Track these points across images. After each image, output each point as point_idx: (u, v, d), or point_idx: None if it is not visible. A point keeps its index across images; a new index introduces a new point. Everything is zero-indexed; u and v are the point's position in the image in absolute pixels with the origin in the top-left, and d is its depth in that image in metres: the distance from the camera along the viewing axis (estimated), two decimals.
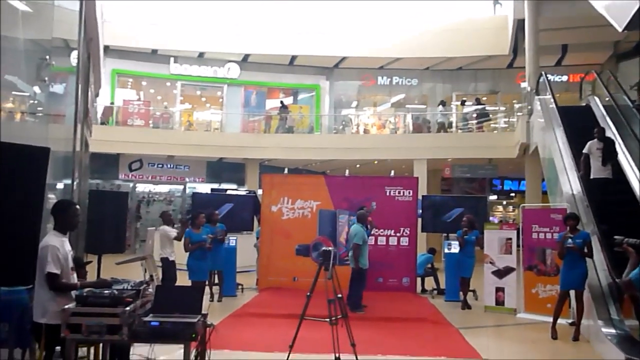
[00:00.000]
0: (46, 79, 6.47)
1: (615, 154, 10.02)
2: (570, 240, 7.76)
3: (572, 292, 7.94)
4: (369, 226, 10.09)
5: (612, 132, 11.25)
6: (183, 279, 9.46)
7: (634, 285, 4.20)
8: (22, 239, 3.68)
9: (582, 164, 9.88)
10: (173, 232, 9.46)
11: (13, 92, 5.74)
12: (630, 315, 7.11)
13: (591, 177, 9.69)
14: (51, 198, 5.50)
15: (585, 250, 7.76)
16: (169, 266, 9.24)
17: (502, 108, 22.31)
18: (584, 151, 9.87)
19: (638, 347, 6.23)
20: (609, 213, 8.70)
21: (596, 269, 7.96)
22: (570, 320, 8.33)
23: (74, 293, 4.23)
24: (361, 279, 9.46)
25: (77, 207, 4.71)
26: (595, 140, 9.86)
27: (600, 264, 7.91)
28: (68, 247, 4.47)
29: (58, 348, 4.19)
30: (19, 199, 3.62)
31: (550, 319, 7.99)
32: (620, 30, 7.79)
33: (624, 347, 6.25)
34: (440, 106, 20.54)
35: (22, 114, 6.24)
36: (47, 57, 6.42)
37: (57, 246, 4.26)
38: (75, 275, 4.55)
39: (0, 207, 3.51)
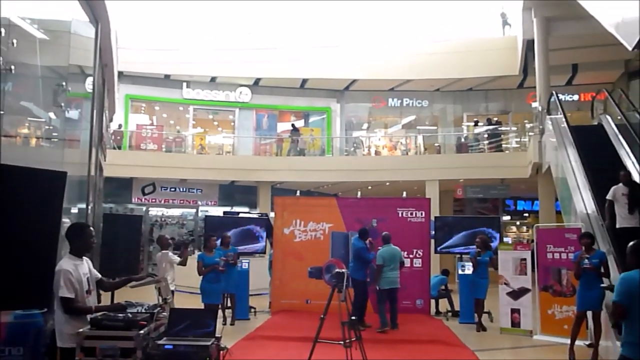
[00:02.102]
0: (62, 104, 6.58)
1: None
2: (586, 261, 7.68)
3: (589, 313, 7.83)
4: (368, 245, 10.13)
5: (625, 150, 11.19)
6: (196, 302, 9.45)
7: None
8: (38, 263, 3.71)
9: (606, 212, 8.89)
10: (176, 258, 9.19)
11: (29, 118, 5.85)
12: None
13: (617, 226, 8.68)
14: (66, 222, 5.55)
15: (602, 270, 7.67)
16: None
17: (514, 128, 22.30)
18: (607, 197, 8.90)
19: None
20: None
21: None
22: (587, 342, 8.20)
23: (88, 316, 4.25)
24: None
25: (92, 229, 4.75)
26: (621, 185, 8.85)
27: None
28: (84, 270, 4.49)
29: None
30: (36, 222, 3.66)
31: (567, 341, 7.87)
32: (630, 48, 7.79)
33: None
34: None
35: (38, 139, 6.34)
36: (64, 83, 6.54)
37: (69, 270, 4.29)
38: (94, 297, 4.57)
39: (17, 231, 3.56)
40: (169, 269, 9.00)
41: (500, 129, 21.01)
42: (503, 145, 20.04)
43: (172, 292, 8.46)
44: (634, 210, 8.60)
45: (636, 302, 3.96)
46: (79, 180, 8.33)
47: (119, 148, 20.02)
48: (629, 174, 9.19)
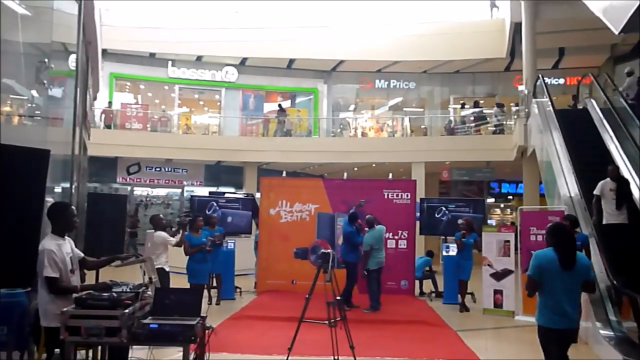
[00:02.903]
0: (45, 82, 6.48)
1: (631, 195, 8.82)
2: None
3: None
4: (358, 228, 10.20)
5: (608, 134, 11.29)
6: (182, 282, 9.45)
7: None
8: (22, 241, 3.69)
9: (593, 207, 8.70)
10: (172, 239, 8.64)
11: (11, 96, 5.75)
12: (629, 317, 7.14)
13: (604, 222, 8.56)
14: (49, 201, 5.51)
15: (584, 252, 7.78)
16: (165, 278, 8.19)
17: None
18: (595, 192, 8.70)
19: (636, 349, 6.25)
20: (627, 261, 7.61)
21: (594, 271, 7.97)
22: None
23: (73, 296, 4.23)
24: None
25: (73, 208, 4.72)
26: (608, 180, 8.66)
27: (599, 267, 7.93)
28: (67, 249, 4.46)
29: (57, 350, 4.19)
30: (19, 201, 3.63)
31: None
32: (616, 32, 7.84)
33: (622, 349, 6.28)
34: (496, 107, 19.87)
35: (21, 117, 6.25)
36: (46, 60, 6.44)
37: (53, 250, 4.26)
38: (77, 277, 4.55)
39: (0, 209, 3.52)
40: (164, 250, 8.44)
41: (485, 111, 21.10)
42: (489, 128, 20.13)
43: (168, 273, 8.30)
44: (622, 206, 8.42)
45: (547, 276, 4.50)
46: (63, 160, 8.25)
47: (109, 127, 19.84)
48: (616, 168, 8.99)
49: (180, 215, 10.48)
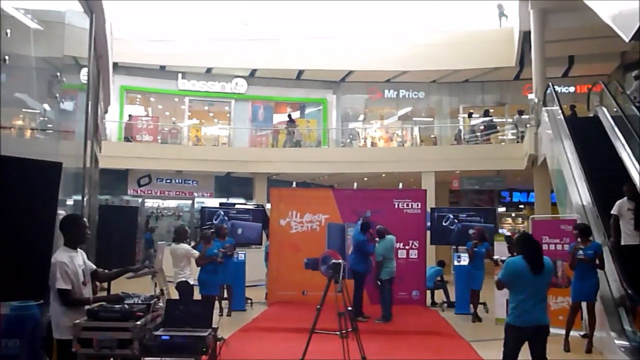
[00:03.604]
0: (57, 95, 6.54)
1: None
2: (580, 252, 7.71)
3: (584, 304, 7.87)
4: (369, 238, 10.17)
5: (620, 142, 11.21)
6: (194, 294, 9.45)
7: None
8: (34, 254, 3.70)
9: (611, 228, 8.35)
10: (195, 252, 8.49)
11: (24, 109, 5.81)
12: None
13: (622, 243, 8.19)
14: (61, 214, 5.55)
15: (597, 261, 7.70)
16: (189, 291, 8.16)
17: (510, 120, 22.31)
18: (612, 212, 8.36)
19: None
20: None
21: (608, 280, 7.89)
22: (582, 332, 8.24)
23: (85, 308, 4.24)
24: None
25: (85, 220, 4.74)
26: (625, 199, 8.31)
27: (612, 275, 7.85)
28: (79, 261, 4.48)
29: None
30: (32, 213, 3.65)
31: (562, 331, 7.91)
32: (627, 40, 7.79)
33: (637, 359, 6.18)
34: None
35: (33, 130, 6.31)
36: (58, 74, 6.50)
37: (65, 262, 4.28)
38: (89, 289, 4.57)
39: (13, 221, 3.54)
40: (187, 263, 8.32)
41: (495, 120, 21.05)
42: (499, 137, 20.04)
43: (192, 286, 8.24)
44: None
45: (518, 281, 5.09)
46: (75, 172, 8.30)
47: (128, 140, 20.08)
48: (633, 187, 8.63)
49: (203, 228, 10.40)
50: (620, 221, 8.27)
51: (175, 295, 7.67)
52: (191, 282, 8.22)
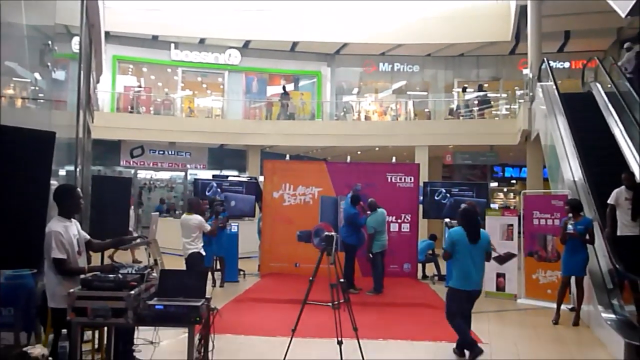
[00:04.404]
0: (49, 65, 6.47)
1: None
2: (570, 226, 7.80)
3: (572, 278, 7.99)
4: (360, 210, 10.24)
5: (613, 118, 11.24)
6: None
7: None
8: (29, 224, 3.71)
9: (607, 217, 8.10)
10: (207, 225, 8.28)
11: (14, 78, 5.74)
12: (630, 301, 7.17)
13: (618, 233, 7.98)
14: (54, 184, 5.53)
15: (587, 236, 7.79)
16: (200, 261, 8.07)
17: (504, 95, 22.30)
18: (609, 201, 8.09)
19: (637, 332, 6.28)
20: None
21: (597, 255, 8.00)
22: (570, 306, 8.38)
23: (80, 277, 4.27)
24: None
25: (79, 190, 4.74)
26: (623, 188, 8.02)
27: (601, 250, 7.95)
28: (74, 231, 4.50)
29: (64, 331, 4.24)
30: (25, 182, 3.64)
31: (550, 305, 8.05)
32: (623, 16, 7.78)
33: (624, 332, 6.31)
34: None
35: (24, 99, 6.25)
36: (50, 43, 6.42)
37: (60, 231, 4.30)
38: (84, 258, 4.59)
39: (7, 191, 3.54)
40: (199, 236, 8.09)
41: (489, 95, 21.02)
42: (493, 112, 20.04)
43: (204, 257, 8.14)
44: (638, 216, 7.85)
45: (458, 249, 5.99)
46: (67, 143, 8.25)
47: (132, 110, 20.02)
48: (632, 176, 8.34)
49: (214, 203, 10.33)
50: (617, 211, 8.05)
51: (169, 265, 7.70)
52: (203, 253, 8.12)
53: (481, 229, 6.17)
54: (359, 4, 21.32)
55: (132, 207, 8.99)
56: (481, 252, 6.04)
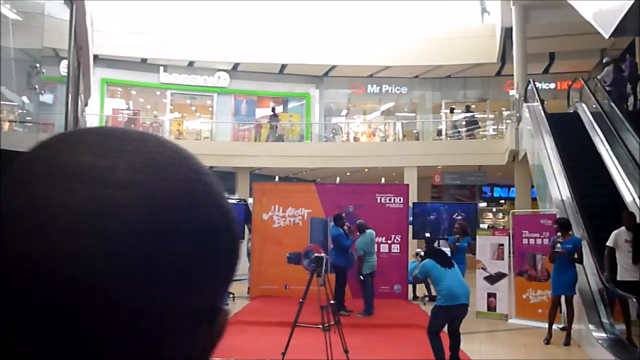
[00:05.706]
0: (36, 87, 6.46)
1: None
2: (559, 245, 7.82)
3: (563, 297, 7.99)
4: (347, 231, 10.17)
5: (599, 138, 11.38)
6: None
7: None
8: None
9: (605, 261, 7.54)
10: None
11: (2, 102, 5.73)
12: (621, 320, 7.17)
13: (618, 278, 7.43)
14: None
15: (576, 255, 7.81)
16: None
17: (491, 115, 22.52)
18: (608, 244, 7.56)
19: (628, 350, 6.28)
20: None
21: (586, 274, 8.02)
22: (561, 325, 8.37)
23: None
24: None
25: None
26: (623, 229, 7.49)
27: (591, 269, 7.97)
28: None
29: None
30: None
31: (541, 324, 8.03)
32: (606, 37, 7.92)
33: (615, 351, 6.31)
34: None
35: (12, 122, 6.23)
36: (38, 65, 6.41)
37: None
38: None
39: None
40: None
41: (477, 116, 21.23)
42: (480, 133, 20.21)
43: None
44: (639, 260, 7.29)
45: (437, 275, 6.24)
46: None
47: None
48: (632, 216, 7.80)
49: None
50: (616, 254, 7.52)
51: None
52: None
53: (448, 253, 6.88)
54: (347, 27, 21.57)
55: None
56: (459, 271, 6.45)
